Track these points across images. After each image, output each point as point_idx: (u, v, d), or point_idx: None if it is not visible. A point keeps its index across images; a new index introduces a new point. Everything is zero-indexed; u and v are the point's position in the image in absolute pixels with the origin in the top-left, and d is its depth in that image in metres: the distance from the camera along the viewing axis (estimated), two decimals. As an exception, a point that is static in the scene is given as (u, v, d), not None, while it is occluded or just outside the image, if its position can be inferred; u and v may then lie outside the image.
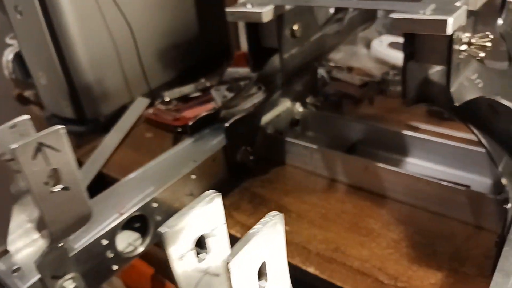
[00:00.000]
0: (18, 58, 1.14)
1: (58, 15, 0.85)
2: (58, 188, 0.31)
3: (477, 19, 0.46)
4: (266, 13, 0.44)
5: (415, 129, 0.68)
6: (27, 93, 1.22)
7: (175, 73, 1.07)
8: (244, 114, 0.64)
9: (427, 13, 0.35)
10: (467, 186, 0.53)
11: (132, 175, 0.58)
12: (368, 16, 0.69)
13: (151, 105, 0.95)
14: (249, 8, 0.45)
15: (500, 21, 0.51)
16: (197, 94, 0.95)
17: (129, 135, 0.86)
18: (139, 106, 0.95)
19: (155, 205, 0.54)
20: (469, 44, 0.38)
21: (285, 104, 0.75)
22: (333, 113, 0.72)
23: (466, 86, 0.40)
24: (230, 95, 0.89)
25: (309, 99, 0.79)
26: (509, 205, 0.38)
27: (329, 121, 0.73)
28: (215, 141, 0.64)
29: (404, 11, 0.36)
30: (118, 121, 0.91)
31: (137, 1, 0.95)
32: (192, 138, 0.67)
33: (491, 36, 0.38)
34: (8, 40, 1.21)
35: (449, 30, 0.33)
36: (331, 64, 0.98)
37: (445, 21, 0.33)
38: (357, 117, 0.76)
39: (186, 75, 1.04)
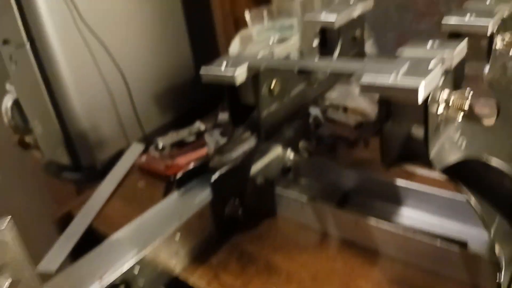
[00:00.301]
0: (17, 104, 1.15)
1: (52, 64, 0.86)
2: (7, 283, 0.29)
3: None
4: (240, 75, 0.43)
5: (412, 175, 0.65)
6: (28, 138, 1.22)
7: (171, 116, 1.06)
8: (232, 166, 0.62)
9: (398, 77, 0.33)
10: (465, 242, 0.50)
11: (117, 235, 0.57)
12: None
13: (146, 150, 0.94)
14: (222, 71, 0.44)
15: (486, 69, 0.49)
16: (192, 138, 0.94)
17: (122, 184, 0.85)
18: (134, 152, 0.95)
19: (137, 269, 0.52)
20: (448, 104, 0.36)
21: (275, 151, 0.73)
22: (326, 160, 0.70)
23: (447, 148, 0.38)
24: (223, 140, 0.87)
25: (301, 144, 0.77)
26: (500, 277, 0.35)
27: (322, 168, 0.71)
28: (203, 195, 0.62)
29: (376, 71, 0.34)
30: (112, 170, 0.90)
31: (130, 47, 0.96)
32: (179, 191, 0.65)
33: (470, 94, 0.35)
34: (8, 87, 1.22)
35: (420, 99, 0.31)
36: (327, 103, 0.97)
37: (416, 90, 0.31)
38: (351, 163, 0.74)
39: (183, 118, 1.03)
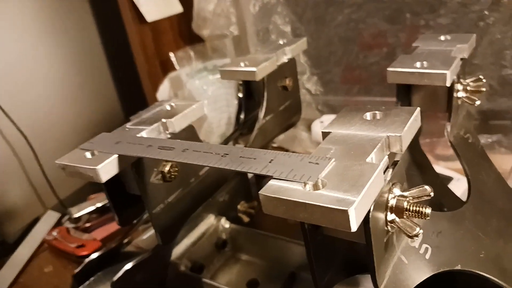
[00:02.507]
0: None
1: None
2: None
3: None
4: (107, 171, 0.30)
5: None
6: None
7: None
8: (145, 257, 0.48)
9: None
10: None
11: None
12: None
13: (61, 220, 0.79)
14: (84, 163, 0.30)
15: (448, 127, 0.38)
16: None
17: (26, 268, 0.69)
18: (46, 224, 0.79)
19: None
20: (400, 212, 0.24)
21: (207, 222, 0.60)
22: (269, 233, 0.57)
23: (407, 264, 0.26)
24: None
25: (241, 206, 0.64)
26: None
27: (263, 240, 0.58)
28: (106, 297, 0.48)
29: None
30: (18, 249, 0.74)
31: (38, 104, 0.82)
32: (79, 291, 0.51)
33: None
34: None
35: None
36: (275, 145, 0.85)
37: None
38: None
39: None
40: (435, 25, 0.65)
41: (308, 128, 0.78)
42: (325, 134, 0.27)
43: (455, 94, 0.38)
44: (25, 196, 0.84)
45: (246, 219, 0.63)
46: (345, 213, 0.19)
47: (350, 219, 0.19)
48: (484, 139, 0.62)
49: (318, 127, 0.75)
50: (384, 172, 0.24)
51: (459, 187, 0.58)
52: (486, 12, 0.59)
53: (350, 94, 0.77)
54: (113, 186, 0.35)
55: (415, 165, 0.43)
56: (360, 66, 0.76)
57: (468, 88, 0.38)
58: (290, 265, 0.55)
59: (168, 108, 0.39)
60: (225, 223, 0.61)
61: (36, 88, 0.83)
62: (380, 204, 0.23)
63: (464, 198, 0.58)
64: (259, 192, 0.22)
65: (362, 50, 0.75)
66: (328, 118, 0.76)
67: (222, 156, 0.26)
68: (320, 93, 0.80)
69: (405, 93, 0.39)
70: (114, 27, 0.86)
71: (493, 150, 0.62)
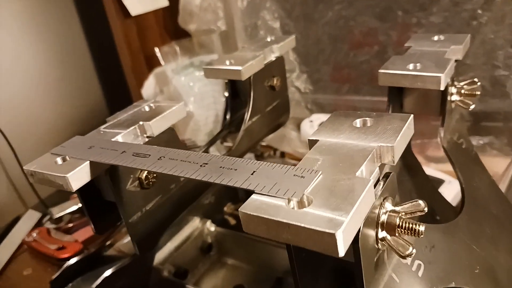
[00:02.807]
0: None
1: None
2: None
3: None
4: (78, 179, 0.27)
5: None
6: None
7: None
8: (125, 263, 0.46)
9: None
10: None
11: None
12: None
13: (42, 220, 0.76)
14: (53, 170, 0.28)
15: (442, 132, 0.36)
16: (99, 201, 0.77)
17: (4, 271, 0.67)
18: (26, 224, 0.76)
19: None
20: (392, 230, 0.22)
21: (192, 225, 0.58)
22: (255, 237, 0.55)
23: (398, 283, 0.24)
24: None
25: (227, 208, 0.62)
26: None
27: (250, 244, 0.56)
28: (85, 305, 0.46)
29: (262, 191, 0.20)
30: (-4, 250, 0.71)
31: (11, 104, 0.79)
32: (57, 298, 0.48)
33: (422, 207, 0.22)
34: None
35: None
36: (263, 144, 0.83)
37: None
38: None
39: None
40: (427, 24, 0.63)
41: (297, 127, 0.77)
42: (312, 142, 0.25)
43: (448, 98, 0.36)
44: (5, 195, 0.82)
45: (232, 221, 0.61)
46: (332, 236, 0.17)
47: (338, 244, 0.17)
48: (475, 141, 0.61)
49: (308, 126, 0.73)
50: (375, 186, 0.23)
51: (451, 190, 0.56)
52: (478, 11, 0.58)
53: (339, 93, 0.76)
54: (87, 193, 0.33)
55: (405, 169, 0.42)
56: (350, 64, 0.74)
57: (462, 91, 0.37)
58: (277, 270, 0.53)
59: (147, 109, 0.36)
60: (210, 226, 0.59)
61: (14, 83, 0.79)
62: (371, 221, 0.22)
63: (455, 201, 0.57)
64: (239, 210, 0.20)
65: (352, 48, 0.73)
66: (317, 117, 0.75)
67: (201, 166, 0.24)
68: (310, 91, 0.78)
69: (396, 96, 0.37)
70: (97, 21, 0.84)
71: (485, 152, 0.61)
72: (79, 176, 0.28)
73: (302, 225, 0.18)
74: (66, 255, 0.64)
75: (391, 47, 0.68)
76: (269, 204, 0.20)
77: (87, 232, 0.70)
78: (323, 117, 0.74)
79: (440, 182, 0.58)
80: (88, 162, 0.28)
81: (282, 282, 0.53)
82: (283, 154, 0.80)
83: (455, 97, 0.37)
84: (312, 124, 0.74)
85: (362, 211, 0.19)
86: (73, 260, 0.53)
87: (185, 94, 0.79)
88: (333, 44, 0.73)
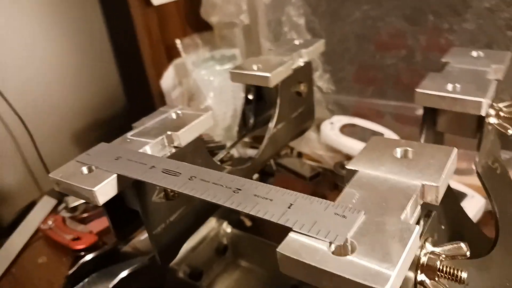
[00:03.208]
0: None
1: None
2: None
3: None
4: (104, 193, 0.27)
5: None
6: None
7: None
8: (142, 264, 0.46)
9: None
10: None
11: None
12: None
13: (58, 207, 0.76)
14: (79, 182, 0.28)
15: (477, 157, 0.35)
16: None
17: (18, 259, 0.67)
18: (42, 210, 0.77)
19: None
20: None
21: (208, 226, 0.58)
22: (270, 242, 0.55)
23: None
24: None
25: (243, 208, 0.61)
26: None
27: (265, 248, 0.55)
28: (101, 303, 0.46)
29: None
30: (11, 236, 0.72)
31: (28, 88, 0.78)
32: (72, 294, 0.49)
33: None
34: None
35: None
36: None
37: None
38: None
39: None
40: (459, 30, 0.61)
41: (317, 128, 0.75)
42: (351, 173, 0.24)
43: (486, 120, 0.35)
44: (21, 180, 0.82)
45: (248, 222, 0.61)
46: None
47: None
48: (503, 155, 0.59)
49: (328, 128, 0.72)
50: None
51: (473, 204, 0.55)
52: (516, 21, 0.55)
53: (363, 95, 0.74)
54: (111, 200, 0.32)
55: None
56: (375, 66, 0.72)
57: (501, 113, 0.35)
58: (292, 277, 0.53)
59: (174, 116, 0.36)
60: (226, 228, 0.58)
61: (31, 67, 0.79)
62: (411, 264, 0.21)
63: (477, 217, 0.55)
64: (277, 250, 0.19)
65: (378, 50, 0.71)
66: (338, 119, 0.73)
67: (234, 191, 0.23)
68: (332, 91, 0.76)
69: (432, 115, 0.36)
70: (118, 8, 0.82)
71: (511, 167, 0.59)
72: (105, 190, 0.27)
73: (347, 277, 0.17)
74: (81, 247, 0.64)
75: (420, 51, 0.66)
76: (310, 247, 0.19)
77: (102, 223, 0.70)
78: (344, 119, 0.73)
79: (462, 195, 0.56)
80: (115, 175, 0.28)
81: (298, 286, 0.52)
82: (300, 154, 0.79)
83: (492, 120, 0.35)
84: (332, 126, 0.72)
85: (408, 261, 0.18)
86: (89, 256, 0.53)
87: (204, 88, 0.78)
88: (359, 43, 0.71)
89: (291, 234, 0.20)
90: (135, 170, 0.28)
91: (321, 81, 0.75)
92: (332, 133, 0.71)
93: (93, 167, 0.29)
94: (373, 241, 0.19)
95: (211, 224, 0.58)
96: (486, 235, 0.32)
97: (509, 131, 0.35)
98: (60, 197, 0.79)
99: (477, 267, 0.27)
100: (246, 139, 0.79)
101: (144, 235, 0.60)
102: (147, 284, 0.48)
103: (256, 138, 0.56)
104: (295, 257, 0.18)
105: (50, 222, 0.71)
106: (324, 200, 0.22)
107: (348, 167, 0.24)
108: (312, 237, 0.19)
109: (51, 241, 0.69)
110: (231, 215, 0.59)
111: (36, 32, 0.79)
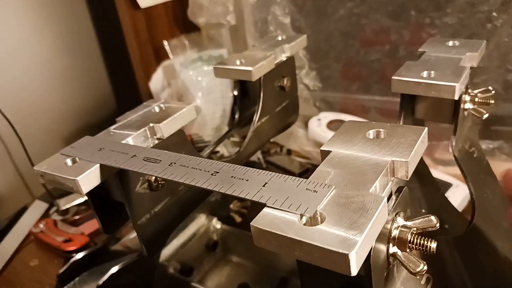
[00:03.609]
0: None
1: None
2: None
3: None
4: (88, 181, 0.27)
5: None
6: None
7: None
8: (132, 260, 0.47)
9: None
10: None
11: None
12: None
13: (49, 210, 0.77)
14: (62, 173, 0.28)
15: (453, 141, 0.35)
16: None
17: (10, 262, 0.67)
18: (33, 214, 0.77)
19: None
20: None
21: (197, 222, 0.58)
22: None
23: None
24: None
25: (233, 205, 0.62)
26: None
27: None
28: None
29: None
30: (2, 241, 0.72)
31: (17, 92, 0.79)
32: (63, 292, 0.49)
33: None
34: None
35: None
36: (270, 140, 0.83)
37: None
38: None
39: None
40: (440, 25, 0.62)
41: (305, 125, 0.76)
42: (324, 153, 0.25)
43: (462, 106, 0.36)
44: (12, 184, 0.82)
45: (238, 219, 0.61)
46: (345, 257, 0.17)
47: (351, 264, 0.17)
48: (485, 145, 0.60)
49: (315, 124, 0.73)
50: (388, 200, 0.22)
51: (458, 194, 0.56)
52: (494, 14, 0.57)
53: (349, 92, 0.75)
54: (96, 193, 0.33)
55: (414, 176, 0.41)
56: (360, 62, 0.73)
57: (476, 99, 0.36)
58: (282, 270, 0.53)
59: (157, 110, 0.36)
60: (216, 224, 0.59)
61: (18, 67, 0.79)
62: (382, 237, 0.21)
63: (463, 205, 0.56)
64: (251, 224, 0.20)
65: (363, 46, 0.73)
66: (325, 115, 0.74)
67: (212, 174, 0.24)
68: (318, 89, 0.77)
69: (409, 102, 0.37)
70: (106, 11, 0.83)
71: (494, 157, 0.60)
72: (88, 179, 0.28)
73: (316, 243, 0.18)
74: (72, 248, 0.64)
75: (403, 46, 0.67)
76: (282, 219, 0.20)
77: (93, 225, 0.70)
78: (331, 115, 0.74)
79: (447, 185, 0.57)
80: (98, 165, 0.28)
81: (287, 282, 0.53)
82: (289, 152, 0.79)
83: (468, 105, 0.36)
84: (320, 123, 0.73)
85: (376, 230, 0.19)
86: (80, 255, 0.53)
87: (193, 88, 0.79)
88: (344, 41, 0.73)
89: (265, 209, 0.21)
90: (117, 159, 0.28)
91: (308, 78, 0.76)
92: (319, 129, 0.72)
93: (77, 159, 0.30)
94: (341, 212, 0.19)
95: (200, 220, 0.58)
96: (463, 216, 0.33)
97: (484, 115, 0.36)
98: (52, 200, 0.79)
99: (454, 244, 0.28)
100: (237, 139, 0.80)
101: (133, 234, 0.60)
102: (137, 280, 0.48)
103: (245, 137, 0.57)
104: (268, 229, 0.19)
105: (41, 226, 0.71)
106: (298, 178, 0.22)
107: (322, 148, 0.25)
108: (284, 210, 0.20)
109: (42, 244, 0.69)
110: (221, 212, 0.60)
111: (24, 35, 0.79)
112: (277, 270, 0.53)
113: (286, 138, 0.78)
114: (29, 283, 0.62)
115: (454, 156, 0.35)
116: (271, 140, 0.84)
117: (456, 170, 0.61)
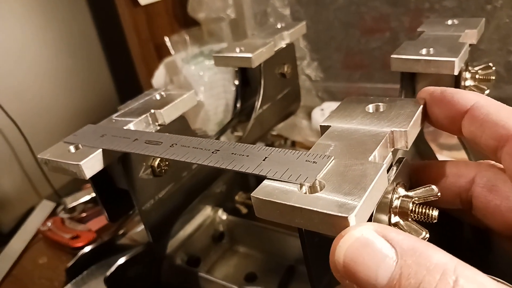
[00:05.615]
0: None
1: None
2: None
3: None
4: (91, 167, 0.28)
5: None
6: None
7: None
8: (138, 251, 0.47)
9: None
10: None
11: None
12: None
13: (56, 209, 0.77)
14: (66, 158, 0.28)
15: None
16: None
17: (20, 260, 0.68)
18: (41, 214, 0.77)
19: None
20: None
21: (203, 214, 0.58)
22: (266, 225, 0.55)
23: None
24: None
25: (238, 196, 0.62)
26: None
27: (261, 232, 0.56)
28: (100, 292, 0.46)
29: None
30: (11, 240, 0.72)
31: (22, 93, 0.79)
32: (71, 285, 0.49)
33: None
34: None
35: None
36: (274, 133, 0.83)
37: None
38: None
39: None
40: (440, 9, 0.62)
41: (308, 116, 0.76)
42: (324, 128, 0.25)
43: (462, 83, 0.35)
44: (19, 186, 0.83)
45: (244, 210, 0.61)
46: (345, 220, 0.17)
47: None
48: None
49: (319, 115, 0.73)
50: (388, 171, 0.22)
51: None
52: (494, -5, 0.56)
53: (351, 81, 0.75)
54: (100, 181, 0.33)
55: (418, 157, 0.41)
56: (361, 51, 0.73)
57: (477, 76, 0.36)
58: (288, 258, 0.53)
59: (158, 97, 0.36)
60: (222, 215, 0.59)
61: (22, 70, 0.80)
62: (383, 206, 0.21)
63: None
64: (251, 195, 0.20)
65: (363, 35, 0.72)
66: (328, 105, 0.74)
67: (212, 152, 0.24)
68: (320, 79, 0.77)
69: (409, 81, 0.37)
70: (106, 10, 0.83)
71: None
72: (92, 164, 0.28)
73: (315, 209, 0.18)
74: (80, 244, 0.65)
75: (403, 33, 0.67)
76: (281, 189, 0.20)
77: (100, 221, 0.70)
78: (334, 105, 0.74)
79: (453, 169, 0.57)
80: (101, 150, 0.29)
81: (293, 271, 0.53)
82: (294, 143, 0.79)
83: (469, 82, 0.36)
84: (323, 113, 0.73)
85: (375, 196, 0.19)
86: (87, 249, 0.54)
87: (195, 83, 0.79)
88: (344, 30, 0.72)
89: (265, 181, 0.21)
90: (119, 143, 0.28)
91: (309, 69, 0.76)
92: (323, 119, 0.72)
93: (80, 146, 0.30)
94: (341, 179, 0.19)
95: (206, 212, 0.59)
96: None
97: (485, 92, 0.36)
98: (59, 200, 0.80)
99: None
100: (240, 133, 0.80)
101: (141, 226, 0.61)
102: (144, 271, 0.49)
103: (244, 126, 0.57)
104: (268, 199, 0.19)
105: (49, 224, 0.71)
106: (297, 151, 0.22)
107: (321, 124, 0.25)
108: (284, 181, 0.20)
109: (51, 242, 0.69)
110: (226, 203, 0.60)
111: (27, 37, 0.80)
112: (284, 259, 0.53)
113: (290, 130, 0.78)
114: (39, 280, 0.63)
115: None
116: (275, 133, 0.84)
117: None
